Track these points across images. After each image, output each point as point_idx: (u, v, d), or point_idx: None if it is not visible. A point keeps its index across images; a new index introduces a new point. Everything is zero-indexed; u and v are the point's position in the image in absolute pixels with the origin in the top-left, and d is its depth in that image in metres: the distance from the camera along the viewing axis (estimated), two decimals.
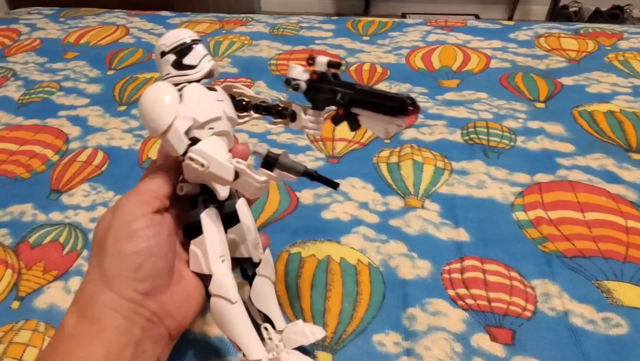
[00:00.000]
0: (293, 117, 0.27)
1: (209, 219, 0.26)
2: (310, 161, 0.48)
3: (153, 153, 0.50)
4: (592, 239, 0.36)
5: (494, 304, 0.32)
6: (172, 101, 0.25)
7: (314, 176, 0.25)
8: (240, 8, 1.88)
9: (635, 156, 0.45)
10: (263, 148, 0.26)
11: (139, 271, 0.23)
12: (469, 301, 0.33)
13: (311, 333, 0.27)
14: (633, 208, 0.39)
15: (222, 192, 0.26)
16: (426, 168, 0.45)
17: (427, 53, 0.67)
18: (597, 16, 1.84)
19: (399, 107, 0.21)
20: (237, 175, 0.25)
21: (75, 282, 0.36)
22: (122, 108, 0.59)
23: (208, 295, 0.26)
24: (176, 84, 0.27)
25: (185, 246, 0.27)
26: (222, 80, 0.64)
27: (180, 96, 0.26)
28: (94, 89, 0.63)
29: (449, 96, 0.57)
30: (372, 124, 0.23)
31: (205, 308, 0.28)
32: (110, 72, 0.68)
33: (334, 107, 0.25)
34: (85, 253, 0.39)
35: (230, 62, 0.68)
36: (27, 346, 0.31)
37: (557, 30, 0.72)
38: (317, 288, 0.34)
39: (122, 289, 0.23)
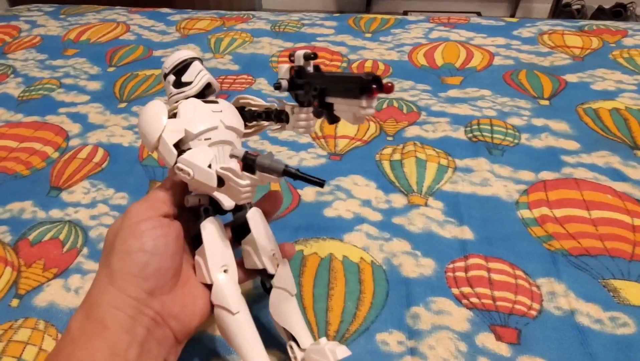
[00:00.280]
0: (288, 118, 0.27)
1: (208, 228, 0.26)
2: (312, 158, 0.47)
3: None
4: (598, 237, 0.36)
5: (499, 303, 0.32)
6: (158, 117, 0.26)
7: (295, 175, 0.22)
8: (242, 5, 1.87)
9: None
10: (240, 151, 0.25)
11: (144, 269, 0.23)
12: (474, 300, 0.32)
13: (331, 351, 0.24)
14: (639, 205, 0.38)
15: (226, 202, 0.26)
16: (429, 166, 0.45)
17: (430, 50, 0.67)
18: (600, 14, 1.83)
19: (361, 86, 0.19)
20: (222, 181, 0.25)
21: (75, 280, 0.36)
22: (123, 105, 0.58)
23: None
24: (176, 101, 0.28)
25: None
26: (221, 79, 0.64)
27: (177, 111, 0.27)
28: (94, 86, 0.63)
29: (452, 93, 0.57)
30: (342, 111, 0.21)
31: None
32: (110, 69, 0.67)
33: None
34: (85, 250, 0.38)
35: (231, 60, 0.68)
36: (27, 344, 0.31)
37: (561, 27, 0.72)
38: (319, 286, 0.34)
39: (126, 286, 0.23)
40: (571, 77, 0.58)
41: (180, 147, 0.26)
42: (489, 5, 2.13)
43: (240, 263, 0.28)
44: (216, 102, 0.28)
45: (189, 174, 0.25)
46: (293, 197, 0.42)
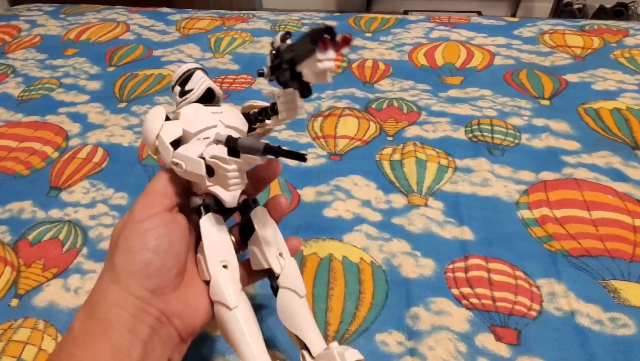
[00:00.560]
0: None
1: (207, 224, 0.26)
2: (312, 158, 0.47)
3: None
4: (598, 238, 0.36)
5: (498, 303, 0.32)
6: (157, 118, 0.27)
7: (277, 152, 0.22)
8: (241, 5, 1.87)
9: None
10: (223, 135, 0.25)
11: (147, 268, 0.23)
12: (474, 300, 0.32)
13: (340, 355, 0.22)
14: None
15: (226, 198, 0.25)
16: (429, 166, 0.45)
17: (430, 50, 0.67)
18: (601, 13, 1.82)
19: (311, 38, 0.18)
20: (212, 170, 0.25)
21: (74, 280, 0.36)
22: (123, 105, 0.58)
23: None
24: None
25: None
26: (221, 79, 0.63)
27: (179, 116, 0.28)
28: (94, 85, 0.63)
29: (453, 93, 0.57)
30: (307, 75, 0.21)
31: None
32: (110, 69, 0.67)
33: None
34: (84, 250, 0.38)
35: (231, 59, 0.68)
36: (26, 344, 0.31)
37: (562, 26, 0.71)
38: (319, 286, 0.34)
39: (130, 285, 0.23)
40: (572, 77, 0.58)
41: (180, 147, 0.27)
42: (490, 4, 2.13)
43: (247, 266, 0.27)
44: (218, 105, 0.29)
45: (181, 167, 0.25)
46: (293, 197, 0.42)
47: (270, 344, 0.29)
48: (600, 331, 0.30)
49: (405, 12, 2.16)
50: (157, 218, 0.24)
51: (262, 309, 0.32)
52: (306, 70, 0.20)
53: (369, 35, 0.74)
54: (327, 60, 0.19)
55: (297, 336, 0.25)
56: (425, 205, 0.40)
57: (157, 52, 0.71)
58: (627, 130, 0.48)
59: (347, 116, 0.53)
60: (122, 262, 0.23)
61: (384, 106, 0.55)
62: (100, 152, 0.50)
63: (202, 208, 0.27)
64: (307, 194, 0.43)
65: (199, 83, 0.29)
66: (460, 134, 0.49)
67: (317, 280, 0.34)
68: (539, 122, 0.50)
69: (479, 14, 2.04)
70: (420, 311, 0.32)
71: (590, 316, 0.31)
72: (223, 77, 0.62)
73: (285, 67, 0.22)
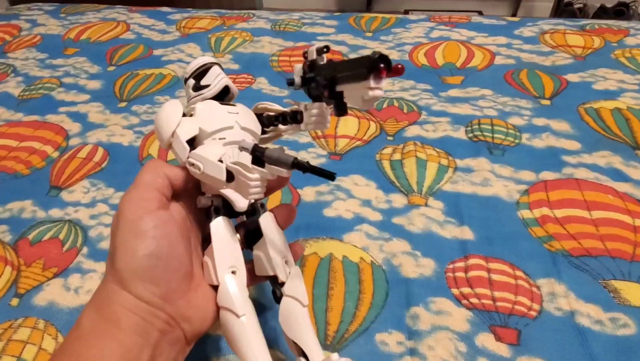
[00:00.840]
0: (302, 117, 0.26)
1: (217, 228, 0.26)
2: (312, 158, 0.47)
3: (153, 150, 0.50)
4: (599, 238, 0.36)
5: (498, 303, 0.32)
6: (174, 114, 0.26)
7: (305, 167, 0.21)
8: (242, 4, 1.87)
9: None
10: (249, 143, 0.25)
11: (154, 275, 0.23)
12: (474, 300, 0.32)
13: None
14: None
15: (239, 202, 0.25)
16: (430, 166, 0.45)
17: (431, 49, 0.67)
18: (602, 13, 1.82)
19: (368, 65, 0.18)
20: (232, 176, 0.25)
21: (75, 279, 0.36)
22: (123, 104, 0.58)
23: None
24: (194, 103, 0.28)
25: None
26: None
27: (194, 112, 0.27)
28: (94, 85, 0.63)
29: (453, 92, 0.57)
30: (351, 97, 0.21)
31: None
32: (110, 69, 0.67)
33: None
34: (85, 250, 0.38)
35: (231, 59, 0.68)
36: (26, 343, 0.31)
37: (563, 26, 0.71)
38: (319, 286, 0.34)
39: (139, 292, 0.23)
40: (573, 77, 0.57)
41: (195, 145, 0.26)
42: (490, 4, 2.13)
43: (249, 267, 0.27)
44: (233, 105, 0.28)
45: (199, 169, 0.24)
46: (293, 197, 0.42)
47: (272, 345, 0.29)
48: (600, 331, 0.30)
49: (406, 12, 2.16)
50: (153, 217, 0.23)
51: (264, 311, 0.32)
52: (351, 93, 0.20)
53: (369, 34, 0.74)
54: (378, 89, 0.19)
55: (295, 344, 0.25)
56: (426, 205, 0.40)
57: (157, 52, 0.71)
58: (627, 130, 0.48)
59: (347, 116, 0.53)
60: (126, 268, 0.23)
61: (384, 105, 0.55)
62: (100, 151, 0.50)
63: (212, 211, 0.26)
64: (307, 193, 0.43)
65: (217, 80, 0.28)
66: (460, 133, 0.49)
67: (317, 280, 0.34)
68: (539, 122, 0.50)
69: (480, 13, 2.04)
70: (420, 311, 0.32)
71: (591, 316, 0.31)
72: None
73: (325, 84, 0.22)
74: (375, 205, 0.41)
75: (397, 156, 0.46)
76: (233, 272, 0.25)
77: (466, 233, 0.37)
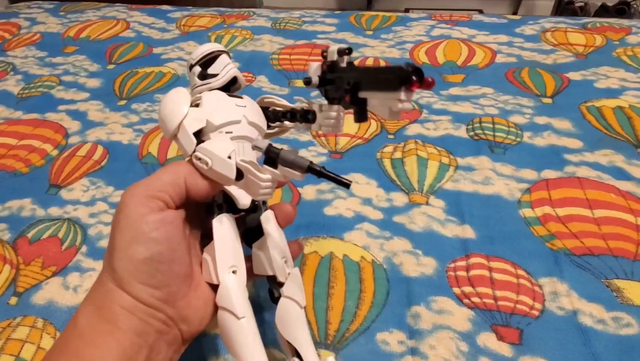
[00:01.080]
0: (314, 118, 0.25)
1: (220, 225, 0.25)
2: (313, 156, 0.47)
3: (153, 148, 0.49)
4: (601, 237, 0.36)
5: (500, 302, 0.32)
6: (180, 104, 0.25)
7: (320, 173, 0.21)
8: (242, 2, 1.86)
9: None
10: (264, 143, 0.24)
11: (154, 278, 0.22)
12: (475, 299, 0.32)
13: None
14: None
15: (242, 199, 0.24)
16: (431, 164, 0.44)
17: (432, 48, 0.66)
18: (603, 12, 1.81)
19: (401, 77, 0.18)
20: (241, 174, 0.24)
21: (74, 278, 0.35)
22: (122, 103, 0.58)
23: None
24: (200, 93, 0.27)
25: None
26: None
27: (200, 101, 0.26)
28: (93, 83, 0.63)
29: (454, 91, 0.56)
30: (377, 105, 0.20)
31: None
32: (110, 67, 0.67)
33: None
34: (84, 248, 0.38)
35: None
36: (25, 342, 0.31)
37: (564, 24, 0.71)
38: (319, 285, 0.33)
39: (138, 294, 0.22)
40: (574, 75, 0.57)
41: (200, 138, 0.25)
42: (491, 2, 2.12)
43: (247, 265, 0.26)
44: (240, 97, 0.27)
45: (207, 164, 0.23)
46: (293, 195, 0.42)
47: (269, 344, 0.29)
48: (603, 331, 0.30)
49: (407, 10, 2.15)
50: (156, 219, 0.23)
51: (262, 310, 0.32)
52: (377, 102, 0.20)
53: (370, 33, 0.73)
54: (407, 102, 0.18)
55: (290, 344, 0.25)
56: (427, 203, 0.40)
57: (157, 50, 0.71)
58: (629, 128, 0.47)
59: (347, 114, 0.52)
60: (126, 269, 0.22)
61: None
62: (100, 150, 0.49)
63: (215, 207, 0.26)
64: (308, 192, 0.42)
65: (225, 70, 0.27)
66: (461, 132, 0.49)
67: (318, 279, 0.34)
68: (541, 120, 0.50)
69: (481, 11, 2.04)
70: (421, 310, 0.32)
71: (593, 315, 0.30)
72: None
73: (347, 88, 0.21)
74: (376, 204, 0.41)
75: (398, 155, 0.46)
76: (234, 272, 0.25)
77: (467, 232, 0.37)
